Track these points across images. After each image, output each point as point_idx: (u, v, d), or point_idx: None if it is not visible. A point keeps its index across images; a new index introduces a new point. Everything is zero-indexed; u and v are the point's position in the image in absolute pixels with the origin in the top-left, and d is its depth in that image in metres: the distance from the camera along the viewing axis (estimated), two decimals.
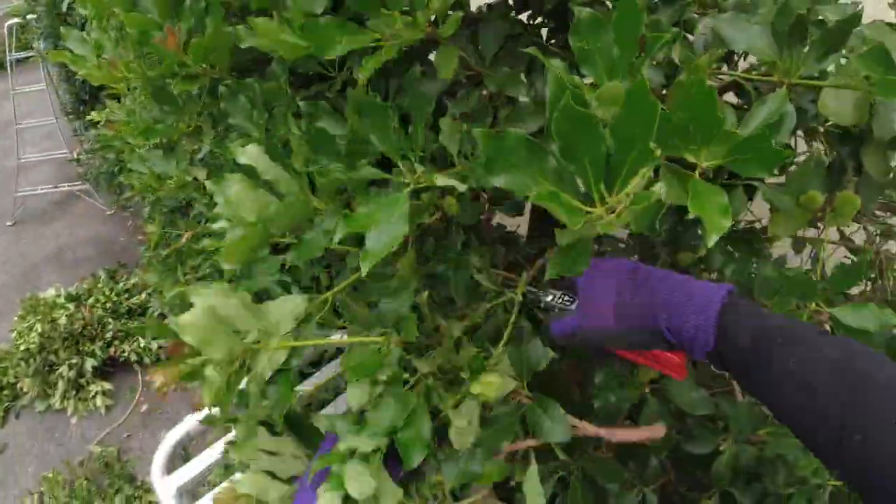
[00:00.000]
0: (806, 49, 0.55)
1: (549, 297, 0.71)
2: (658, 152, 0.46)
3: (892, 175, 0.72)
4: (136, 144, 1.57)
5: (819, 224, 0.74)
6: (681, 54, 0.59)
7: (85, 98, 4.30)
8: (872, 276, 1.47)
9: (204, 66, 0.98)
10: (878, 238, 1.49)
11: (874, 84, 0.45)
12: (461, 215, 0.73)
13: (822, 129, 0.72)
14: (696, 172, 0.45)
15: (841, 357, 0.48)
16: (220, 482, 0.76)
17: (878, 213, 1.43)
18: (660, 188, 0.42)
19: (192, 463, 0.78)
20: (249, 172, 0.65)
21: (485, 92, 0.77)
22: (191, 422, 0.80)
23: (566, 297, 0.70)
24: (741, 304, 0.57)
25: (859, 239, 1.38)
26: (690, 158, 0.45)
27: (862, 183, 0.78)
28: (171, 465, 0.78)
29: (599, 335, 0.64)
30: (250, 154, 0.61)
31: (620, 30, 0.50)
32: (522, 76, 0.78)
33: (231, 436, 0.80)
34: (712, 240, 0.40)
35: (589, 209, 0.44)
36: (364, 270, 0.53)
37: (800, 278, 0.64)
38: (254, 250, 0.60)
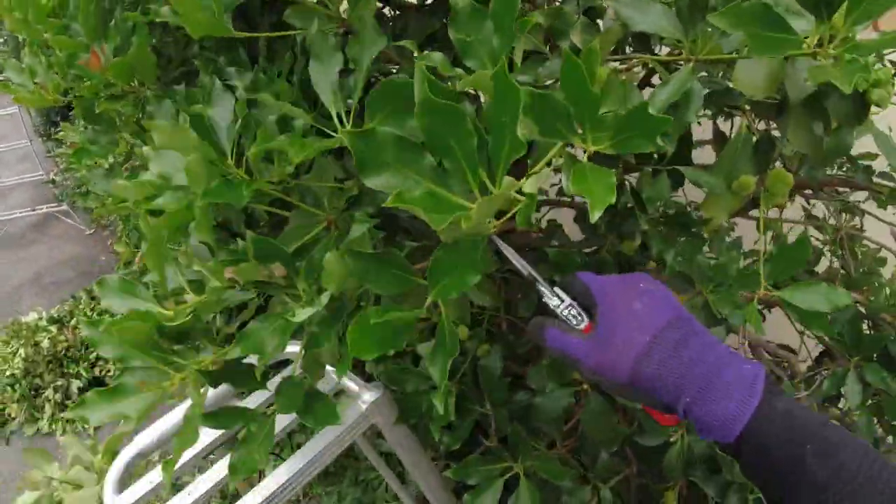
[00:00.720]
0: (708, 27, 0.54)
1: (556, 303, 0.58)
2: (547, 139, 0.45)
3: (824, 146, 0.70)
4: (91, 166, 1.55)
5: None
6: (582, 41, 0.58)
7: (56, 119, 4.26)
8: (840, 253, 1.46)
9: (132, 84, 0.96)
10: (840, 214, 1.48)
11: (749, 44, 0.43)
12: None
13: (747, 107, 0.70)
14: (585, 157, 0.43)
15: None
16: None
17: (839, 189, 1.42)
18: (533, 183, 0.40)
19: (143, 481, 0.76)
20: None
21: None
22: (143, 440, 0.78)
23: (573, 312, 0.57)
24: (774, 401, 0.50)
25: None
26: (578, 143, 0.43)
27: (802, 157, 0.77)
28: (124, 483, 0.76)
29: (602, 382, 0.55)
30: (156, 126, 0.57)
31: (498, 18, 0.49)
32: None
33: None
34: (596, 215, 0.38)
35: (468, 205, 0.42)
36: None
37: (738, 266, 0.63)
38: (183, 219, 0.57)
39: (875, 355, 1.01)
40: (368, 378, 0.90)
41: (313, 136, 0.59)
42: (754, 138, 0.71)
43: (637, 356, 0.51)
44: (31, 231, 5.00)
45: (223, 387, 0.83)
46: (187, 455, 0.78)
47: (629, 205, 0.81)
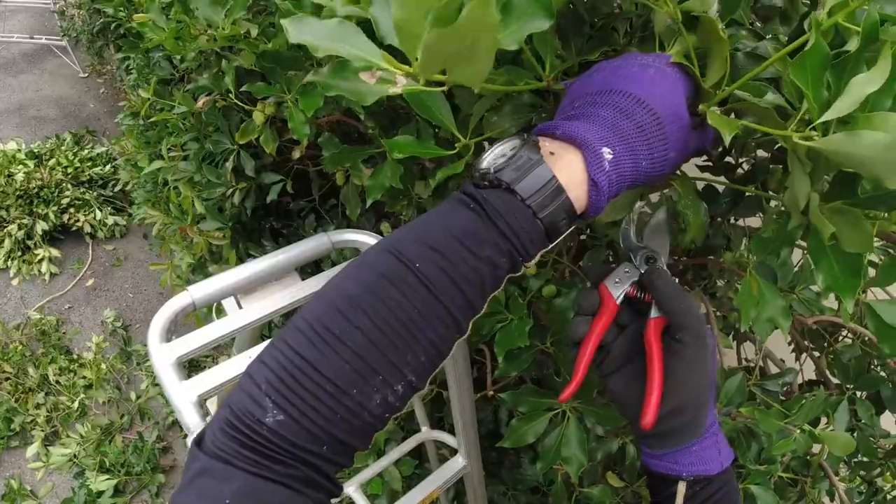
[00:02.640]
0: None
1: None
2: None
3: None
4: None
5: None
6: None
7: None
8: None
9: None
10: None
11: None
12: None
13: None
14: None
15: None
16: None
17: None
18: None
19: (194, 335, 0.71)
20: None
21: None
22: (195, 292, 0.72)
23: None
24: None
25: None
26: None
27: None
28: (169, 334, 0.71)
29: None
30: None
31: None
32: None
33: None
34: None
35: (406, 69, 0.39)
36: None
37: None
38: None
39: (865, 394, 1.05)
40: None
41: None
42: None
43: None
44: (23, 60, 4.74)
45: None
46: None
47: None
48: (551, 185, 0.44)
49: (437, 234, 0.44)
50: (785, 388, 1.22)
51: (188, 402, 0.59)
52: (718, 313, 1.08)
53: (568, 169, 0.45)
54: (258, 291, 0.75)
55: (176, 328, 0.72)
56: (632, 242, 0.63)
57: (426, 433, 1.16)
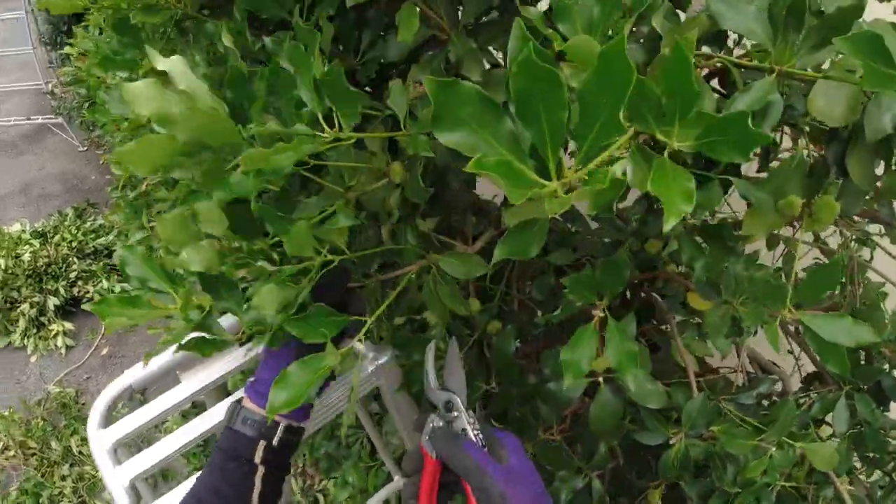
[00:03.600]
0: (801, 37, 0.51)
1: (469, 420, 0.66)
2: (629, 126, 0.42)
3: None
4: (103, 79, 1.49)
5: (795, 224, 0.71)
6: (662, 27, 0.55)
7: (63, 29, 4.13)
8: (842, 280, 1.45)
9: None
10: (853, 244, 1.47)
11: (864, 74, 0.41)
12: (408, 187, 0.68)
13: (807, 128, 0.68)
14: (666, 153, 0.41)
15: None
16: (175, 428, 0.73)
17: (856, 217, 1.41)
18: (622, 167, 0.38)
19: (135, 415, 0.73)
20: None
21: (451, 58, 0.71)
22: (131, 376, 0.75)
23: (480, 438, 0.65)
24: None
25: (834, 242, 1.36)
26: (661, 137, 0.41)
27: (845, 188, 0.75)
28: (110, 418, 0.74)
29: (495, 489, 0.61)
30: (171, 63, 0.53)
31: None
32: (493, 50, 0.72)
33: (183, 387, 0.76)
34: (670, 224, 0.37)
35: (543, 182, 0.40)
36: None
37: (771, 282, 0.62)
38: (164, 156, 0.52)
39: (866, 386, 1.02)
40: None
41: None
42: (810, 161, 0.69)
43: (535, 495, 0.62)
44: (23, 141, 4.88)
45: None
46: (177, 396, 0.75)
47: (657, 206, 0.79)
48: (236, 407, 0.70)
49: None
50: (771, 396, 1.20)
51: (121, 486, 0.61)
52: (694, 320, 1.07)
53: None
54: (198, 364, 0.77)
55: (117, 411, 0.74)
56: (431, 390, 0.68)
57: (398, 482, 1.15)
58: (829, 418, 1.05)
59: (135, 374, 0.75)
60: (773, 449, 0.81)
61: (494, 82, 0.65)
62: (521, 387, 0.77)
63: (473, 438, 0.65)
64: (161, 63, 0.51)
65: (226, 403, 0.75)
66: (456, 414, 0.66)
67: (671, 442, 0.81)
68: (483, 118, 0.41)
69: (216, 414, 0.75)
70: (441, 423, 0.66)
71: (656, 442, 0.81)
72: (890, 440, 1.07)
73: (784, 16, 0.51)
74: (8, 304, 3.29)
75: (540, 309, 0.90)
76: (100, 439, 0.65)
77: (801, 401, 1.15)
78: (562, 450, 0.77)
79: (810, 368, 1.24)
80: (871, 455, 1.10)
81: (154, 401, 0.73)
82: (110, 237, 3.57)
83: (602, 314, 0.64)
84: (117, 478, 0.61)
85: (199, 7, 0.94)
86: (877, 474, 1.13)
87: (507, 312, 0.89)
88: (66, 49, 1.97)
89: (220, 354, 0.79)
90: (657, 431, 0.80)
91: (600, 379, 0.73)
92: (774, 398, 1.15)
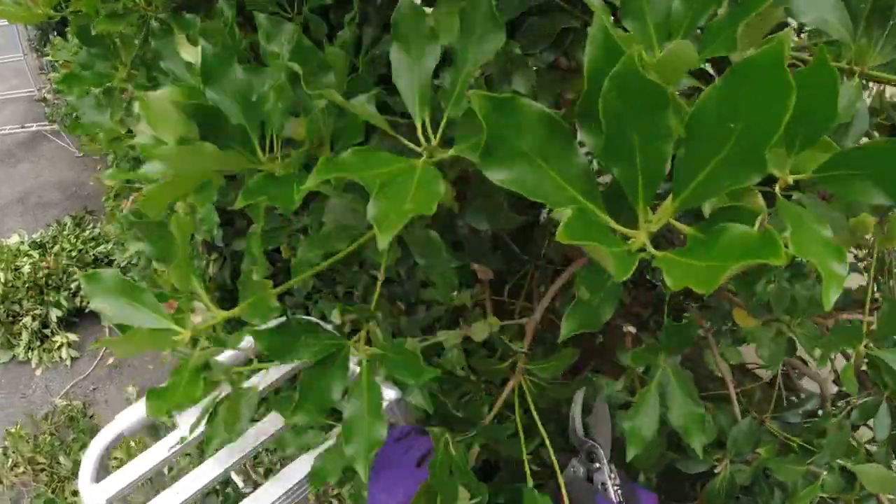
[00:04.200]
0: (886, 33, 0.42)
1: (611, 475, 0.63)
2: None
3: None
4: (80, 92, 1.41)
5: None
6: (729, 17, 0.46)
7: (52, 34, 4.04)
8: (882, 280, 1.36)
9: (136, 1, 0.84)
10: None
11: None
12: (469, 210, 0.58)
13: (876, 133, 0.60)
14: (777, 189, 0.32)
15: None
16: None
17: None
18: (761, 221, 0.28)
19: (126, 469, 0.66)
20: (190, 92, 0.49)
21: None
22: (122, 422, 0.68)
23: (619, 492, 0.62)
24: None
25: None
26: (773, 170, 0.31)
27: None
28: (102, 471, 0.67)
29: None
30: (201, 51, 0.44)
31: None
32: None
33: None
34: (832, 298, 0.27)
35: (628, 233, 0.30)
36: (383, 241, 0.36)
37: (844, 323, 0.53)
38: (179, 192, 0.45)
39: None
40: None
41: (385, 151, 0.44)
42: None
43: None
44: (19, 149, 4.81)
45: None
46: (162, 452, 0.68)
47: None
48: None
49: None
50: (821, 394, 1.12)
51: None
52: (726, 327, 0.99)
53: None
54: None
55: (108, 465, 0.67)
56: (576, 435, 0.65)
57: None
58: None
59: (125, 419, 0.68)
60: (825, 473, 0.74)
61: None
62: (558, 417, 0.69)
63: (613, 495, 0.62)
64: (186, 53, 0.43)
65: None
66: (598, 466, 0.64)
67: (716, 470, 0.73)
68: (549, 149, 0.31)
69: (223, 458, 0.68)
70: (582, 472, 0.64)
71: (700, 470, 0.73)
72: None
73: (868, 11, 0.42)
74: (10, 318, 3.23)
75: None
76: (92, 496, 0.58)
77: (839, 405, 1.07)
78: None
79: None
80: None
81: (152, 448, 0.66)
82: (110, 245, 3.51)
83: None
84: None
85: (174, 7, 0.85)
86: None
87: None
88: (51, 55, 1.89)
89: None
90: (698, 459, 0.72)
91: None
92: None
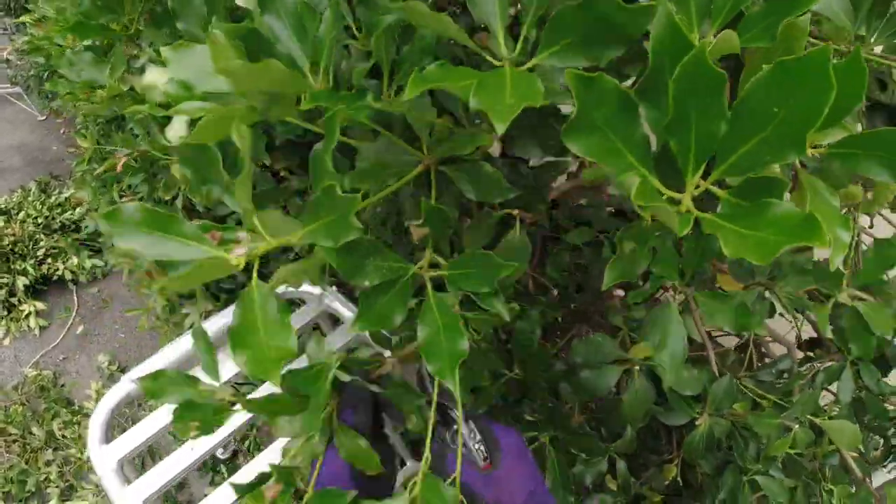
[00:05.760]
0: (884, 21, 0.47)
1: (466, 431, 0.62)
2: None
3: None
4: (66, 46, 1.38)
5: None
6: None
7: None
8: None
9: None
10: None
11: None
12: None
13: (863, 108, 0.65)
14: (798, 162, 0.36)
15: None
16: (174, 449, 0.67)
17: None
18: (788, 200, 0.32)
19: (135, 430, 0.67)
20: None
21: None
22: (128, 384, 0.69)
23: (481, 449, 0.62)
24: None
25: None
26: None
27: None
28: (109, 433, 0.67)
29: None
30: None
31: None
32: None
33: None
34: (838, 259, 0.32)
35: (676, 196, 0.35)
36: (501, 128, 0.34)
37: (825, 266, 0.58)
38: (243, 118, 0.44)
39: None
40: None
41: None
42: None
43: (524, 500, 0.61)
44: None
45: None
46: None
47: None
48: None
49: None
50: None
51: None
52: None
53: None
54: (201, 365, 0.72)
55: (118, 423, 0.69)
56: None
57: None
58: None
59: (132, 378, 0.69)
60: (797, 427, 0.80)
61: None
62: (549, 375, 0.73)
63: (476, 455, 0.62)
64: None
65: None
66: (455, 427, 0.63)
67: (696, 423, 0.79)
68: (619, 122, 0.35)
69: (235, 420, 0.70)
70: (448, 437, 0.64)
71: (681, 422, 0.79)
72: (889, 406, 1.08)
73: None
74: None
75: (557, 289, 0.86)
76: (103, 457, 0.59)
77: (803, 371, 1.14)
78: (589, 435, 0.75)
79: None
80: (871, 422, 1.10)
81: (161, 408, 0.67)
82: (76, 211, 3.43)
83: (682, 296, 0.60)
84: (127, 497, 0.56)
85: None
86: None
87: (523, 294, 0.85)
88: (23, 17, 1.83)
89: (226, 355, 0.74)
90: (683, 412, 0.78)
91: (636, 366, 0.70)
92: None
